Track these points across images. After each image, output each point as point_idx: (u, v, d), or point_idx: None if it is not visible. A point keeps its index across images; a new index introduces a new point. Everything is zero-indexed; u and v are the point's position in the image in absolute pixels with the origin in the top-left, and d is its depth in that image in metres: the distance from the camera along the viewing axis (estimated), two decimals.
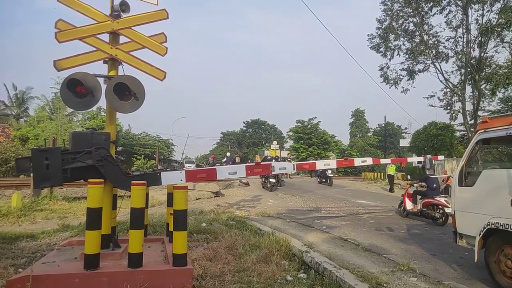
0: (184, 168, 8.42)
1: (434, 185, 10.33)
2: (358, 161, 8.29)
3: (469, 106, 24.36)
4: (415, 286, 4.38)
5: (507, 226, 4.33)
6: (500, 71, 21.38)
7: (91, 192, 4.02)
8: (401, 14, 25.13)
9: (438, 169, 21.97)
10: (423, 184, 10.61)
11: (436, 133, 24.93)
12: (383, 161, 10.72)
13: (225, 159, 27.83)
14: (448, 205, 9.33)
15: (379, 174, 33.76)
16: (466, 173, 5.31)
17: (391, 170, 21.08)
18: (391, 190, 20.34)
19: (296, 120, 48.69)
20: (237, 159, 29.66)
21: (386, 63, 26.51)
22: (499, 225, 4.44)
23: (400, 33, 25.38)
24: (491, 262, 4.69)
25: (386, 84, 26.92)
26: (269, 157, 26.48)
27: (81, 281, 3.83)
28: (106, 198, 4.51)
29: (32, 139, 28.61)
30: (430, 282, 4.53)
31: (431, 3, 23.63)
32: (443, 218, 9.59)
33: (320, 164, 8.41)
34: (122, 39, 5.21)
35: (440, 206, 9.72)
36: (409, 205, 10.71)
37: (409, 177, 21.62)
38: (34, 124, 31.39)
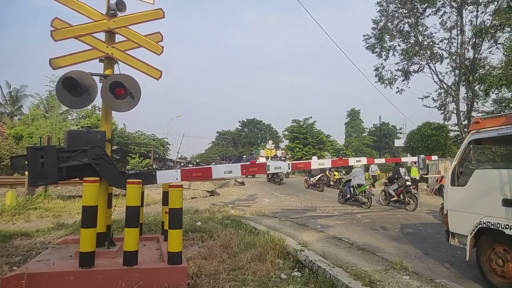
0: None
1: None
2: (352, 161, 8.39)
3: (463, 107, 24.60)
4: (407, 284, 4.43)
5: (498, 225, 4.40)
6: (494, 72, 21.54)
7: (87, 190, 4.03)
8: (396, 15, 25.28)
9: (432, 169, 21.98)
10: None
11: (431, 134, 25.05)
12: (377, 161, 10.86)
13: None
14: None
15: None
16: (458, 173, 5.38)
17: (414, 173, 16.88)
18: None
19: (292, 120, 48.41)
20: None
21: (381, 63, 26.70)
22: (490, 224, 4.51)
23: (395, 33, 25.54)
24: (483, 261, 4.76)
25: (381, 84, 27.12)
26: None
27: (76, 279, 3.84)
28: (101, 196, 4.52)
29: (26, 137, 28.43)
30: (422, 280, 4.59)
31: (426, 4, 23.78)
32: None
33: (315, 164, 8.51)
34: (118, 38, 5.21)
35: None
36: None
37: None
38: (28, 123, 31.22)
